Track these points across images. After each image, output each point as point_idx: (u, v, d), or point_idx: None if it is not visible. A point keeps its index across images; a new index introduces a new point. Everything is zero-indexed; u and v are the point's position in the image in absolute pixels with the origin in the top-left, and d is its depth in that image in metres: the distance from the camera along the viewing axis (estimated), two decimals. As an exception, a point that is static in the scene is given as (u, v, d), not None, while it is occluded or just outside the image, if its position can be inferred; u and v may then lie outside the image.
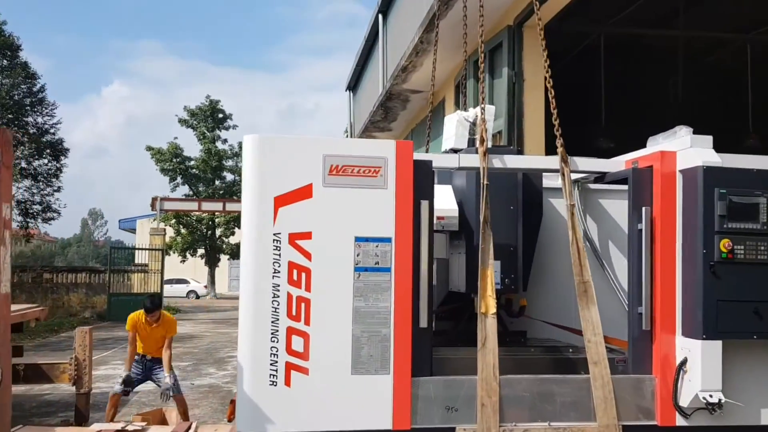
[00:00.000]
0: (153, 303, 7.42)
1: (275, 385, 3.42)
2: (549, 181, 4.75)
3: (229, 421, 5.18)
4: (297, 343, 3.45)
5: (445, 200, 4.34)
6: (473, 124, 4.89)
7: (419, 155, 3.74)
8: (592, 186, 4.95)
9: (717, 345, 3.56)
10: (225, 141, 38.05)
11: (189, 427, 7.10)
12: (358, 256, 3.54)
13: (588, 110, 10.03)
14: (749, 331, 3.59)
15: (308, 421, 3.44)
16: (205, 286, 39.67)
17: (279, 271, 3.47)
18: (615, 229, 4.96)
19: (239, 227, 35.83)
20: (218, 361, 13.37)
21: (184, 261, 37.79)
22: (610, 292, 4.71)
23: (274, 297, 3.46)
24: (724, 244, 3.56)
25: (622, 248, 4.85)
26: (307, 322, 3.47)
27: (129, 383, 7.35)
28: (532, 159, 4.50)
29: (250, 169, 3.53)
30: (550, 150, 6.45)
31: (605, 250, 4.94)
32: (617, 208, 4.92)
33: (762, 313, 3.57)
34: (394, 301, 3.54)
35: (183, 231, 36.56)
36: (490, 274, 3.75)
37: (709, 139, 3.80)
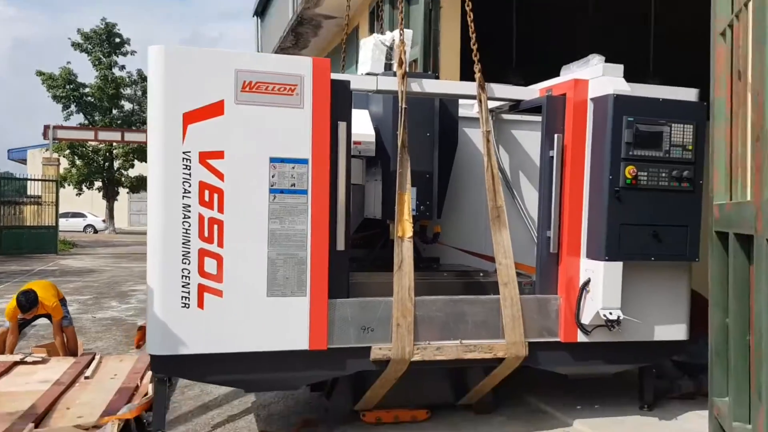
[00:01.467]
0: (28, 301, 6.75)
1: (188, 308, 3.33)
2: (463, 110, 4.77)
3: (138, 347, 5.05)
4: (210, 265, 3.36)
5: (361, 125, 4.27)
6: (390, 48, 4.80)
7: (337, 75, 3.63)
8: (506, 116, 5.02)
9: (618, 266, 3.76)
10: (123, 68, 35.98)
11: (92, 358, 6.89)
12: (273, 177, 3.44)
13: (499, 46, 10.10)
14: (648, 253, 3.80)
15: (223, 343, 3.39)
16: (104, 221, 38.11)
17: (189, 192, 3.33)
18: (525, 159, 5.08)
19: (139, 159, 34.55)
20: (120, 294, 12.97)
21: (80, 194, 36.05)
22: (519, 220, 4.85)
23: (184, 218, 3.32)
24: (629, 170, 3.71)
25: (532, 178, 4.99)
26: (220, 244, 3.37)
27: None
28: (451, 84, 4.49)
29: (156, 82, 3.32)
30: (465, 79, 6.47)
31: (516, 179, 5.06)
32: (528, 138, 5.03)
33: (661, 236, 3.78)
34: (311, 224, 3.50)
35: (78, 162, 34.73)
36: (407, 199, 3.76)
37: (620, 67, 3.90)
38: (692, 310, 4.11)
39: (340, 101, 3.56)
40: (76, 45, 34.89)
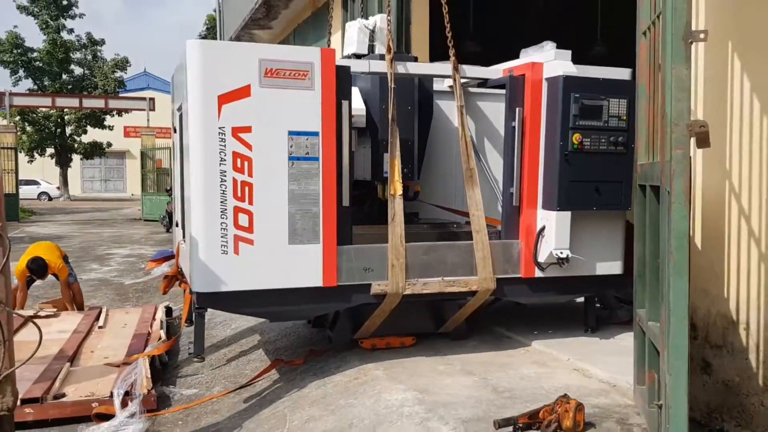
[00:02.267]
0: (40, 268, 7.37)
1: (226, 254, 4.11)
2: (436, 85, 5.56)
3: (164, 293, 5.80)
4: (243, 220, 4.13)
5: (354, 101, 5.03)
6: (372, 31, 5.55)
7: (340, 61, 4.38)
8: (471, 90, 5.84)
9: (567, 215, 4.67)
10: (71, 31, 35.36)
11: (100, 311, 7.59)
12: (291, 147, 4.21)
13: (458, 16, 10.83)
14: (591, 204, 4.71)
15: (254, 282, 4.18)
16: (58, 188, 37.76)
17: (225, 160, 4.08)
18: (489, 127, 5.91)
19: (93, 125, 34.22)
20: (98, 258, 13.50)
21: (31, 161, 35.58)
22: (484, 180, 5.71)
23: (221, 181, 4.08)
24: (576, 137, 4.60)
25: (494, 143, 5.84)
26: (250, 203, 4.14)
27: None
28: (430, 66, 5.26)
29: (196, 71, 4.03)
30: (434, 57, 7.25)
31: (481, 144, 5.90)
32: (491, 109, 5.86)
33: (601, 190, 4.69)
34: (322, 185, 4.29)
35: (29, 129, 34.21)
36: (397, 164, 4.58)
37: (568, 53, 4.75)
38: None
39: (342, 83, 4.33)
40: (21, 8, 34.06)
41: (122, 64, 36.24)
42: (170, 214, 18.25)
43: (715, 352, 3.44)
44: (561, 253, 4.66)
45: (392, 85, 4.61)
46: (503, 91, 5.22)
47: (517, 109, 4.75)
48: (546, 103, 4.71)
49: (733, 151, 3.33)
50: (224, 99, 4.04)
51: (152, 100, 33.35)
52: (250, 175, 4.12)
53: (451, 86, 5.49)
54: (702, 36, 2.25)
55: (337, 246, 4.35)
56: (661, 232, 2.94)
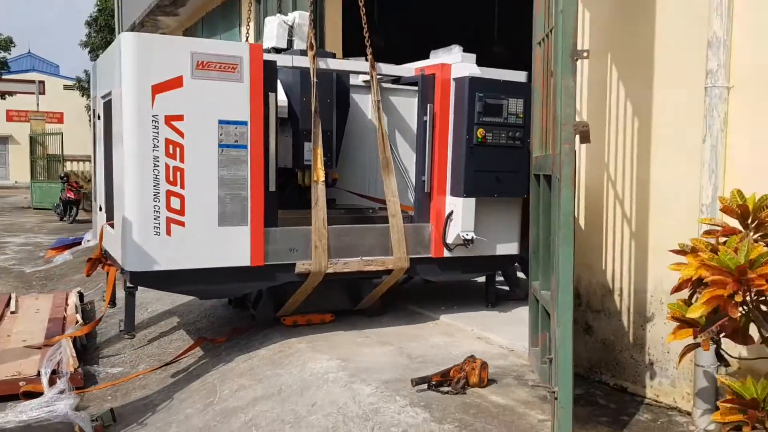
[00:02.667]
0: None
1: (158, 235, 4.34)
2: (352, 80, 5.96)
3: (87, 276, 5.89)
4: (175, 203, 4.38)
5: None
6: (291, 27, 5.87)
7: (267, 56, 4.69)
8: (384, 85, 6.28)
9: (472, 201, 5.20)
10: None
11: (9, 298, 7.50)
12: (221, 135, 4.49)
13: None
14: (493, 191, 5.27)
15: (185, 261, 4.44)
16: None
17: (158, 146, 4.31)
18: (400, 120, 6.38)
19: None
20: (-8, 246, 13.00)
21: None
22: (396, 169, 6.17)
23: (155, 167, 4.31)
24: (480, 132, 5.13)
25: (405, 136, 6.31)
26: (182, 187, 4.39)
27: None
28: (348, 62, 5.63)
29: (131, 62, 4.23)
30: (346, 53, 7.63)
31: (392, 136, 6.34)
32: (401, 103, 6.32)
33: (501, 179, 5.26)
34: (250, 171, 4.60)
35: None
36: (320, 152, 4.95)
37: (473, 56, 5.28)
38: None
39: (269, 77, 4.64)
40: None
41: (5, 44, 34.28)
42: (65, 202, 17.69)
43: (594, 316, 4.05)
44: (467, 234, 5.19)
45: (314, 80, 4.97)
46: (414, 88, 5.69)
47: (428, 105, 5.23)
48: (454, 100, 5.21)
49: (610, 146, 3.94)
50: (158, 89, 4.27)
51: (42, 83, 31.83)
52: (182, 160, 4.37)
53: (365, 81, 5.93)
54: (585, 54, 2.77)
55: (264, 228, 4.67)
56: (552, 213, 3.49)
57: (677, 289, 2.51)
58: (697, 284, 2.39)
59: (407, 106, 6.27)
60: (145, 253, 4.32)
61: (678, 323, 2.45)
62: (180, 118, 4.35)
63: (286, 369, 4.55)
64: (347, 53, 7.33)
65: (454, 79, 5.21)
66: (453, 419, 3.44)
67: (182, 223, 4.41)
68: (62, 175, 20.06)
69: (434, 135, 5.26)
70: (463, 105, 5.13)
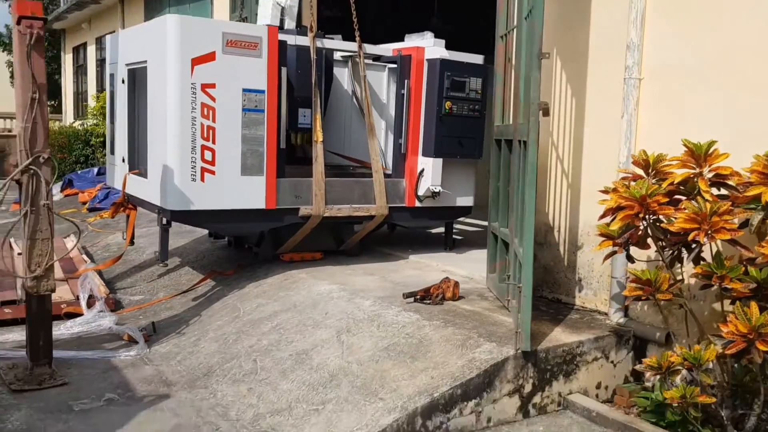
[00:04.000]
0: None
1: (195, 181, 5.35)
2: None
3: (112, 217, 6.79)
4: (207, 155, 5.38)
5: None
6: (283, 8, 6.85)
7: (281, 36, 5.70)
8: (357, 59, 7.35)
9: (440, 161, 6.40)
10: None
11: (9, 243, 8.20)
12: (244, 101, 5.50)
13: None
14: (456, 153, 6.49)
15: (215, 203, 5.47)
16: None
17: (195, 109, 5.28)
18: (371, 92, 7.48)
19: None
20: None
21: None
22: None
23: (192, 125, 5.29)
24: (448, 104, 6.32)
25: (374, 104, 7.41)
26: (213, 142, 5.39)
27: None
28: (340, 42, 6.64)
29: (176, 39, 5.17)
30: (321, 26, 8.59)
31: (363, 100, 7.44)
32: (372, 77, 7.41)
33: (463, 143, 6.48)
34: (267, 131, 5.63)
35: None
36: (319, 117, 6.01)
37: (443, 41, 6.44)
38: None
39: (281, 53, 5.66)
40: None
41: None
42: None
43: (539, 248, 5.35)
44: (435, 188, 6.40)
45: (314, 56, 6.01)
46: (382, 64, 6.79)
47: (405, 81, 6.36)
48: (427, 77, 6.36)
49: (554, 118, 5.20)
50: (196, 61, 5.23)
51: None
52: (213, 121, 5.37)
53: (343, 56, 7.00)
54: (546, 55, 3.96)
55: (276, 178, 5.73)
56: (512, 169, 4.72)
57: (602, 216, 3.79)
58: (616, 211, 3.67)
59: (377, 79, 7.38)
60: (183, 196, 5.32)
61: (603, 238, 3.73)
62: (213, 86, 5.33)
63: (294, 291, 5.66)
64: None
65: (427, 60, 6.35)
66: (438, 318, 4.66)
67: (213, 172, 5.42)
68: None
69: (410, 106, 6.40)
70: (434, 81, 6.29)
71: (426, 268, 6.44)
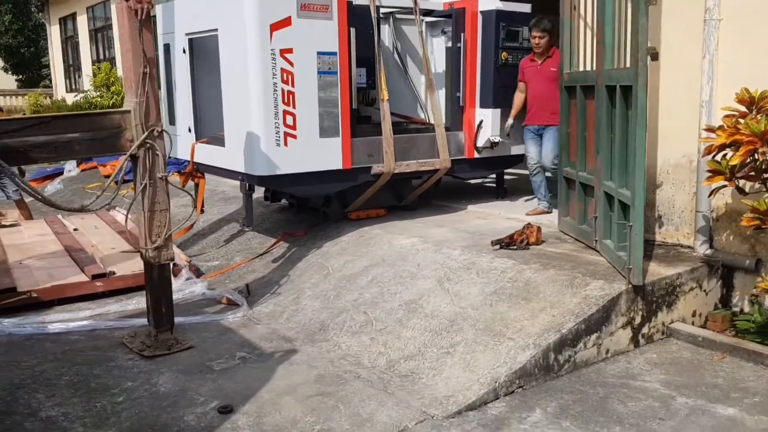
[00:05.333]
0: None
1: (279, 146, 5.48)
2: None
3: (183, 187, 6.90)
4: (289, 120, 5.50)
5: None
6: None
7: (347, -2, 5.78)
8: (398, 16, 7.43)
9: (498, 111, 6.59)
10: None
11: (57, 219, 8.28)
12: (319, 64, 5.60)
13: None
14: (510, 103, 6.66)
15: (298, 166, 5.62)
16: None
17: (276, 74, 5.38)
18: (410, 46, 7.59)
19: None
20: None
21: None
22: (410, 89, 7.42)
23: (274, 91, 5.40)
24: (504, 55, 6.46)
25: (413, 59, 7.53)
26: (294, 107, 5.51)
27: None
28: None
29: (255, 6, 5.23)
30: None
31: (405, 60, 7.57)
32: (411, 32, 7.51)
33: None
34: (340, 93, 5.75)
35: None
36: (383, 76, 6.13)
37: (496, -8, 6.55)
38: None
39: (350, 14, 5.74)
40: None
41: None
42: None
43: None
44: (495, 138, 6.60)
45: (374, 15, 6.09)
46: (419, 17, 6.86)
47: (461, 34, 6.48)
48: (481, 29, 6.48)
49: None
50: (274, 27, 5.31)
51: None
52: (292, 85, 5.47)
53: (384, 13, 7.07)
54: (654, 1, 4.14)
55: (351, 138, 5.88)
56: (597, 114, 4.92)
57: (708, 152, 4.03)
58: (721, 149, 3.91)
59: (414, 34, 7.47)
60: (269, 161, 5.46)
61: (711, 174, 3.99)
62: (290, 51, 5.42)
63: (376, 246, 5.88)
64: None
65: (481, 11, 6.46)
66: (534, 262, 4.92)
67: (295, 136, 5.55)
68: None
69: (466, 59, 6.53)
70: (490, 33, 6.43)
71: (489, 217, 6.67)
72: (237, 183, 6.25)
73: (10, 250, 6.76)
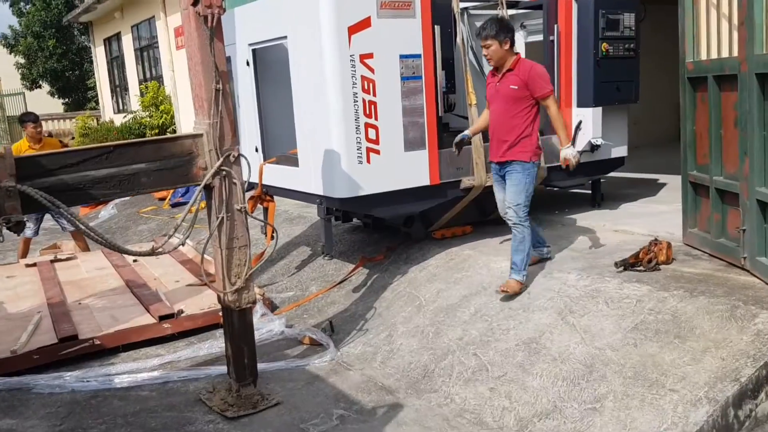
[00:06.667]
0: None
1: (361, 163, 4.82)
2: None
3: (252, 212, 6.32)
4: (371, 134, 4.84)
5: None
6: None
7: (430, -9, 5.09)
8: (472, 11, 6.72)
9: (599, 110, 5.82)
10: None
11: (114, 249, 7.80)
12: (402, 69, 4.93)
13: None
14: (614, 99, 5.89)
15: (383, 185, 4.96)
16: None
17: (356, 83, 4.73)
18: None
19: None
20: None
21: None
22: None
23: (354, 102, 4.75)
24: (605, 46, 5.70)
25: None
26: (376, 118, 4.85)
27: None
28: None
29: (331, 8, 4.59)
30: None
31: (482, 61, 6.84)
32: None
33: (620, 88, 5.87)
34: (425, 100, 5.07)
35: None
36: (470, 78, 5.43)
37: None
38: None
39: (435, 10, 5.05)
40: None
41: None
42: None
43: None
44: (597, 141, 5.83)
45: (457, 11, 5.40)
46: (505, 10, 6.13)
47: (555, 26, 5.73)
48: (577, 19, 5.73)
49: None
50: (352, 30, 4.66)
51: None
52: (374, 95, 4.82)
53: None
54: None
55: (438, 150, 5.19)
56: (741, 105, 4.12)
57: None
58: None
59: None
60: (351, 180, 4.81)
61: None
62: (370, 56, 4.76)
63: (471, 270, 5.17)
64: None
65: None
66: (674, 287, 4.13)
67: (378, 152, 4.89)
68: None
69: (560, 52, 5.78)
70: (587, 22, 5.67)
71: (594, 229, 5.89)
72: (299, 201, 5.63)
73: (68, 288, 6.27)
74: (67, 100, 27.64)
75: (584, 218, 6.26)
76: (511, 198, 4.53)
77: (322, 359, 4.56)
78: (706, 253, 4.79)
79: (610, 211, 6.48)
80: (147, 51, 16.61)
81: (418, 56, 4.99)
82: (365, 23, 4.70)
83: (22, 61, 26.01)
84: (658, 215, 6.07)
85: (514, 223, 4.51)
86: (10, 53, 26.65)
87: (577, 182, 6.34)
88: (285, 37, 5.10)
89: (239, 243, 3.83)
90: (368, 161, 4.85)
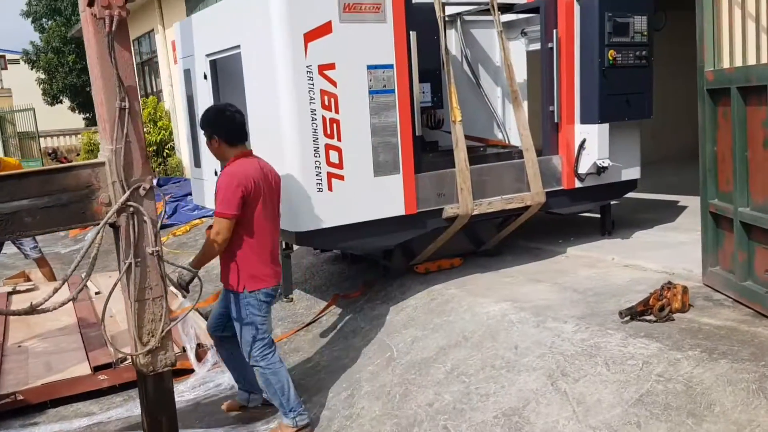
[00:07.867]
0: None
1: (321, 191, 4.13)
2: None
3: None
4: (333, 156, 4.16)
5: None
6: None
7: (403, -8, 4.41)
8: (467, 17, 6.02)
9: (606, 127, 5.06)
10: None
11: (83, 281, 7.19)
12: (370, 81, 4.25)
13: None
14: (623, 115, 5.13)
15: (347, 216, 4.26)
16: None
17: (314, 98, 4.05)
18: (482, 53, 6.16)
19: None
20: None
21: None
22: (482, 104, 5.99)
23: (312, 120, 4.06)
24: (611, 54, 4.95)
25: (487, 69, 6.11)
26: (339, 139, 4.16)
27: None
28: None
29: (282, 11, 3.93)
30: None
31: (476, 71, 6.14)
32: (483, 36, 6.09)
33: (630, 101, 5.12)
34: (399, 116, 4.37)
35: None
36: (455, 91, 4.72)
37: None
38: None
39: (409, 15, 4.36)
40: None
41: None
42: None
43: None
44: (603, 162, 5.07)
45: (441, 15, 4.70)
46: (498, 15, 5.42)
47: (554, 31, 5.00)
48: (579, 23, 5.00)
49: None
50: (309, 37, 3.99)
51: (2, 58, 30.55)
52: (336, 111, 4.13)
53: (449, 16, 5.66)
54: None
55: (415, 174, 4.48)
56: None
57: None
58: None
59: (488, 38, 6.06)
60: (310, 212, 4.12)
61: None
62: (332, 66, 4.09)
63: (454, 315, 4.44)
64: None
65: (578, 0, 4.98)
66: (689, 346, 3.37)
67: (341, 177, 4.20)
68: (50, 151, 19.49)
69: (560, 61, 5.06)
70: (591, 26, 4.93)
71: (600, 264, 5.13)
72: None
73: (14, 327, 5.65)
74: (87, 115, 27.43)
75: (591, 249, 5.50)
76: (247, 343, 3.77)
77: (269, 425, 3.85)
78: (729, 297, 4.01)
79: (621, 241, 5.70)
80: (147, 65, 16.16)
81: (390, 66, 4.30)
82: (325, 29, 4.03)
83: (43, 76, 25.85)
84: (675, 247, 5.29)
85: (255, 364, 3.79)
86: (32, 68, 26.54)
87: (582, 209, 5.58)
88: (239, 47, 4.44)
89: (153, 294, 3.16)
90: (330, 188, 4.15)
